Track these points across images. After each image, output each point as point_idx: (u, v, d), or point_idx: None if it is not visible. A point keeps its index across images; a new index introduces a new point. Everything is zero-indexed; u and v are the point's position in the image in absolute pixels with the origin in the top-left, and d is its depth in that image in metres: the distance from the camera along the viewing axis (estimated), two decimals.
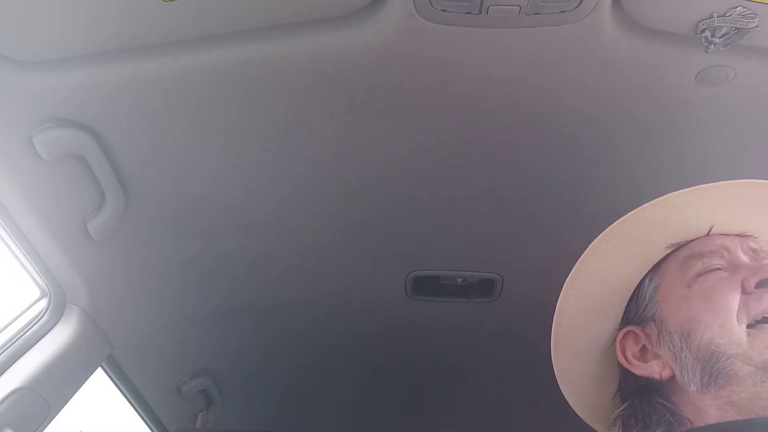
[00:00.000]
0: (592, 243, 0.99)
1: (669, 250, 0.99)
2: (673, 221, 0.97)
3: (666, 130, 1.21)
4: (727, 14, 0.93)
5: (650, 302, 0.97)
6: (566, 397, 1.09)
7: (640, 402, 0.95)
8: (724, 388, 0.84)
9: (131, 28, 0.95)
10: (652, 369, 0.94)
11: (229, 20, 0.96)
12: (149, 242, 1.48)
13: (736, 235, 0.98)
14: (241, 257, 1.60)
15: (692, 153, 1.27)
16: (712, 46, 0.98)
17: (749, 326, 0.85)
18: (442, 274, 1.75)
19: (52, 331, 1.35)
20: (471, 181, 1.36)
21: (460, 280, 1.79)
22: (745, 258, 0.95)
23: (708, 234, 0.98)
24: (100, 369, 1.62)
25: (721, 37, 0.96)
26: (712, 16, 0.93)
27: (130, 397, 1.84)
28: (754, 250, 0.97)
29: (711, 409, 0.85)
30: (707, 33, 0.96)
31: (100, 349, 1.49)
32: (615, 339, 1.01)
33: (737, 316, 0.86)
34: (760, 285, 0.87)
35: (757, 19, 0.93)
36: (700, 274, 0.93)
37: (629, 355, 0.98)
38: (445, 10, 0.92)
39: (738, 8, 0.92)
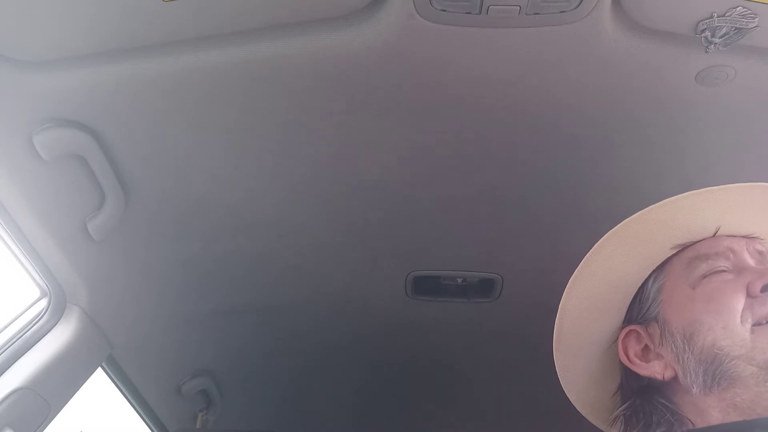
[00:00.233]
0: (597, 244, 0.99)
1: (674, 251, 0.98)
2: (680, 222, 0.96)
3: (666, 130, 1.21)
4: (727, 14, 0.93)
5: (654, 302, 0.97)
6: (567, 395, 1.09)
7: (641, 402, 0.95)
8: (727, 390, 0.83)
9: (131, 28, 0.95)
10: (654, 369, 0.93)
11: (229, 20, 0.96)
12: (149, 242, 1.48)
13: (743, 236, 0.97)
14: (241, 257, 1.60)
15: (692, 153, 1.27)
16: (712, 46, 0.98)
17: (754, 325, 0.85)
18: (442, 274, 1.75)
19: (52, 331, 1.35)
20: (471, 181, 1.36)
21: (460, 280, 1.79)
22: (751, 260, 0.94)
23: (714, 235, 0.97)
24: (100, 369, 1.62)
25: (721, 37, 0.96)
26: (712, 16, 0.93)
27: (130, 397, 1.84)
28: (760, 253, 0.96)
29: (713, 410, 0.85)
30: (707, 33, 0.96)
31: (100, 349, 1.49)
32: (617, 338, 1.01)
33: (741, 317, 0.86)
34: (765, 289, 0.87)
35: (757, 19, 0.93)
36: (704, 276, 0.93)
37: (631, 354, 0.97)
38: (445, 10, 0.92)
39: (738, 8, 0.92)
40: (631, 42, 1.00)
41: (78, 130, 1.13)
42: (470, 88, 1.09)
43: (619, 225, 0.97)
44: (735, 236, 0.97)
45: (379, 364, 2.26)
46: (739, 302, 0.87)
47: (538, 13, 0.92)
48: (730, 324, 0.85)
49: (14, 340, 1.27)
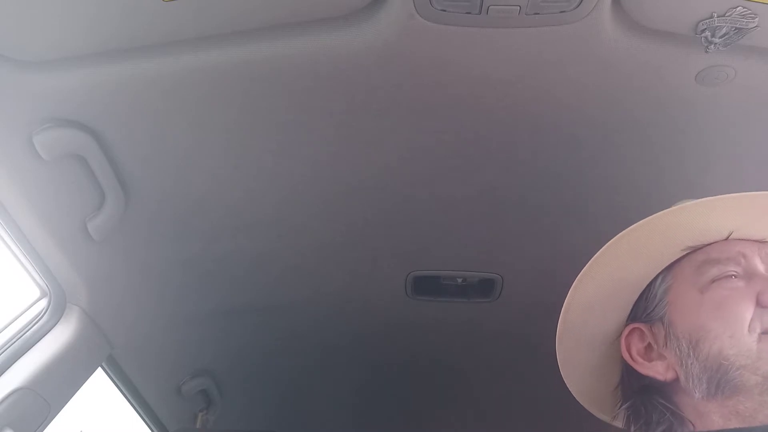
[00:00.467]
0: (605, 245, 0.98)
1: (685, 253, 0.97)
2: (692, 224, 0.95)
3: (666, 130, 1.21)
4: (727, 14, 0.92)
5: (660, 302, 0.96)
6: (567, 385, 1.09)
7: (642, 401, 0.95)
8: (730, 398, 0.83)
9: (131, 28, 0.95)
10: (656, 369, 0.93)
11: (229, 20, 0.96)
12: (149, 242, 1.48)
13: (756, 241, 0.96)
14: (241, 257, 1.60)
15: (692, 153, 1.27)
16: (712, 46, 0.97)
17: (761, 334, 0.84)
18: (442, 274, 1.75)
19: (52, 331, 1.35)
20: (471, 181, 1.36)
21: (460, 280, 1.79)
22: (761, 267, 0.93)
23: (727, 238, 0.95)
24: (100, 369, 1.62)
25: (721, 37, 0.96)
26: (712, 16, 0.93)
27: (130, 397, 1.84)
28: None
29: (714, 416, 0.85)
30: (707, 33, 0.96)
31: (100, 349, 1.49)
32: (620, 334, 1.01)
33: (749, 326, 0.85)
34: None
35: (757, 19, 0.93)
36: (714, 280, 0.91)
37: (634, 352, 0.97)
38: (445, 10, 0.92)
39: (738, 8, 0.91)
40: (631, 42, 1.00)
41: (78, 130, 1.13)
42: (470, 88, 1.09)
43: (628, 228, 0.96)
44: (748, 240, 0.95)
45: (379, 364, 2.26)
46: (748, 311, 0.86)
47: (538, 13, 0.92)
48: (737, 333, 0.84)
49: (14, 340, 1.27)
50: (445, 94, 1.11)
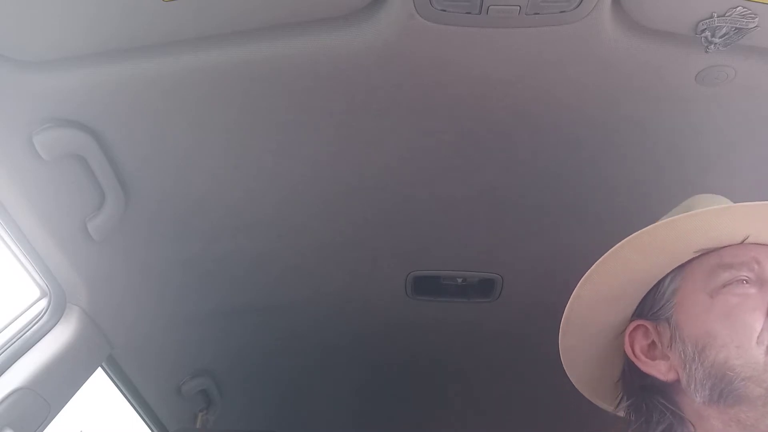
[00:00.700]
0: (613, 248, 0.96)
1: (697, 255, 0.95)
2: (707, 228, 0.92)
3: (666, 130, 1.21)
4: (727, 14, 0.92)
5: (667, 303, 0.95)
6: (568, 375, 1.09)
7: (643, 399, 0.95)
8: (732, 407, 0.83)
9: (131, 28, 0.95)
10: (658, 369, 0.93)
11: (229, 20, 0.96)
12: (149, 242, 1.48)
13: None
14: (241, 257, 1.60)
15: (692, 153, 1.27)
16: (712, 46, 0.97)
17: None
18: (442, 274, 1.75)
19: (52, 331, 1.35)
20: (471, 181, 1.36)
21: (460, 280, 1.79)
22: None
23: (742, 242, 0.92)
24: (100, 369, 1.62)
25: (721, 37, 0.96)
26: (712, 16, 0.93)
27: (130, 397, 1.84)
28: None
29: (714, 420, 0.85)
30: (707, 33, 0.96)
31: (100, 349, 1.49)
32: (624, 329, 1.00)
33: (758, 338, 0.83)
34: None
35: (757, 19, 0.93)
36: (725, 285, 0.89)
37: (637, 349, 0.96)
38: (445, 10, 0.92)
39: (738, 8, 0.91)
40: (631, 42, 1.00)
41: (78, 130, 1.13)
42: (470, 88, 1.09)
43: (637, 232, 0.94)
44: (763, 245, 0.93)
45: (379, 364, 2.26)
46: (758, 321, 0.84)
47: (538, 13, 0.92)
48: (745, 344, 0.83)
49: (14, 340, 1.27)
50: (445, 94, 1.11)
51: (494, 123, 1.19)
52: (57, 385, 1.30)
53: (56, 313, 1.37)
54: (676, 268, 0.96)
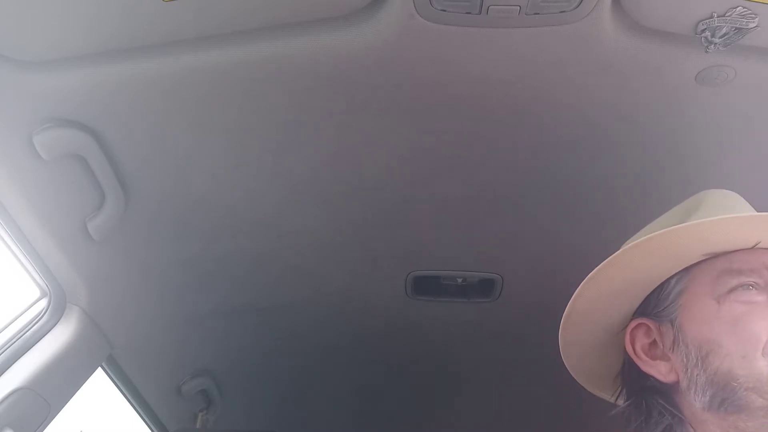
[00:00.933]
0: (619, 251, 0.95)
1: (706, 257, 0.92)
2: (717, 233, 0.90)
3: (666, 130, 1.21)
4: (727, 14, 0.92)
5: (672, 304, 0.93)
6: (567, 367, 1.09)
7: (643, 399, 0.95)
8: (732, 415, 0.83)
9: (131, 28, 0.95)
10: (659, 369, 0.92)
11: (229, 20, 0.96)
12: (149, 242, 1.48)
13: None
14: (241, 257, 1.60)
15: (692, 153, 1.27)
16: (712, 46, 0.97)
17: None
18: (442, 274, 1.75)
19: (52, 331, 1.35)
20: (471, 181, 1.36)
21: (460, 280, 1.79)
22: None
23: (753, 248, 0.90)
24: (100, 369, 1.62)
25: (721, 37, 0.96)
26: (712, 16, 0.93)
27: (130, 397, 1.84)
28: None
29: (713, 426, 0.85)
30: (707, 33, 0.96)
31: (100, 349, 1.49)
32: (626, 326, 0.99)
33: (764, 349, 0.82)
34: None
35: (757, 19, 0.93)
36: (732, 290, 0.88)
37: (637, 347, 0.96)
38: (445, 10, 0.92)
39: (738, 8, 0.91)
40: (631, 42, 1.00)
41: (78, 130, 1.13)
42: (470, 88, 1.09)
43: (645, 237, 0.92)
44: None
45: (379, 364, 2.26)
46: (764, 332, 0.83)
47: (538, 13, 0.92)
48: (750, 354, 0.82)
49: (14, 340, 1.27)
50: (445, 94, 1.11)
51: (494, 123, 1.19)
52: (57, 385, 1.30)
53: (56, 313, 1.37)
54: (682, 270, 0.95)
